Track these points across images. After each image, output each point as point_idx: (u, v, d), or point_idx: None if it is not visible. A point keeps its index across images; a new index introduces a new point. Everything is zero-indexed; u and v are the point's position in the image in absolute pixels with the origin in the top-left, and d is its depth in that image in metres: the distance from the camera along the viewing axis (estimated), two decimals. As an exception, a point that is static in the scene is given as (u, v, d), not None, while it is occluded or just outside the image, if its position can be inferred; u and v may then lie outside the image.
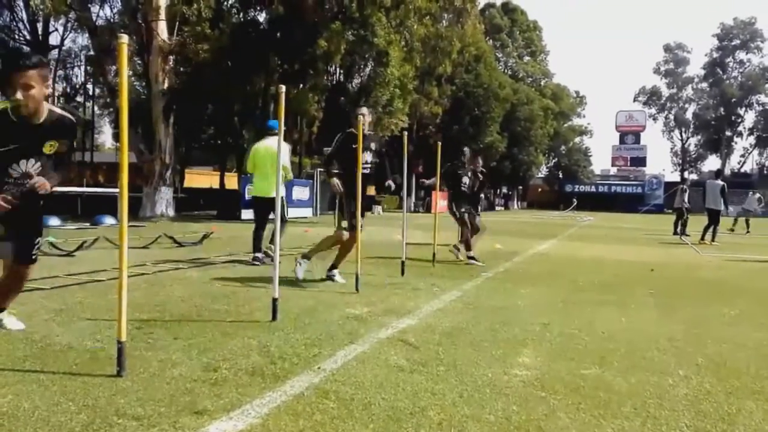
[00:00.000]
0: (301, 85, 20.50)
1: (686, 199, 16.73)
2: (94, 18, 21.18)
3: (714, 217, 13.83)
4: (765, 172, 67.12)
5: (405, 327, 4.03)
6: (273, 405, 2.49)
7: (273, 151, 6.63)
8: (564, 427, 2.38)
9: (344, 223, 5.77)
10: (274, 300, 4.11)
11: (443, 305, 4.90)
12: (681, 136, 73.04)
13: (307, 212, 20.90)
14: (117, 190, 2.87)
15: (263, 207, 7.47)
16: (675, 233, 16.48)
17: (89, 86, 30.83)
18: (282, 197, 5.34)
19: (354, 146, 5.44)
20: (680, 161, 72.64)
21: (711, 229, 13.80)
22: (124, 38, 2.80)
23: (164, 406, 2.43)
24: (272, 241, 4.88)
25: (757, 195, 20.72)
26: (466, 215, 8.46)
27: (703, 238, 13.76)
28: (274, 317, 4.07)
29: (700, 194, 15.52)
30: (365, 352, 3.37)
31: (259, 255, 7.38)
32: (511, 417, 2.46)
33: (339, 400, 2.58)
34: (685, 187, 17.39)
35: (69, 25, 27.17)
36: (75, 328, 3.67)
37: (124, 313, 2.81)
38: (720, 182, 14.05)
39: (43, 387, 2.61)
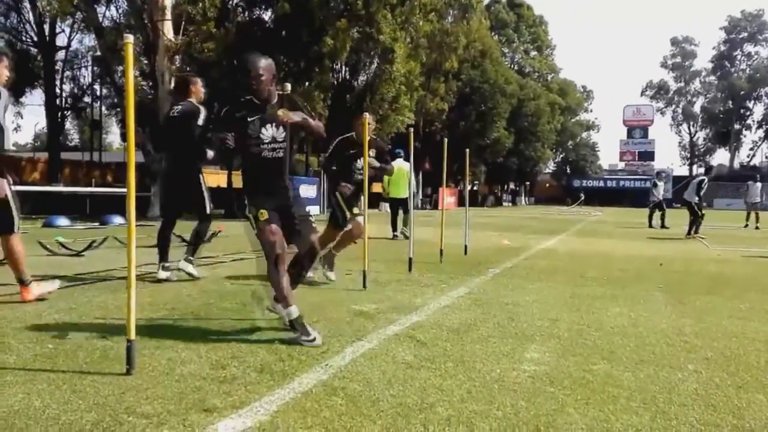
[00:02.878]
0: (307, 83, 20.51)
1: (659, 193, 17.93)
2: (100, 18, 21.29)
3: (690, 210, 14.03)
4: (775, 164, 66.65)
5: (413, 323, 4.03)
6: (281, 402, 2.50)
7: (403, 169, 10.91)
8: (573, 422, 2.38)
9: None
10: (282, 297, 4.11)
11: (451, 301, 4.90)
12: (689, 129, 72.70)
13: (314, 209, 20.96)
14: (125, 189, 2.88)
15: (397, 204, 12.04)
16: (650, 225, 17.74)
17: (96, 87, 31.00)
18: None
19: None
20: (689, 155, 72.26)
21: (690, 222, 13.99)
22: (130, 38, 2.81)
23: (173, 403, 2.44)
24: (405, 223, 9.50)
25: (758, 184, 19.95)
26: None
27: (689, 233, 13.84)
28: (282, 315, 4.07)
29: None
30: (373, 348, 3.37)
31: (397, 233, 11.51)
32: (519, 413, 2.46)
33: (347, 396, 2.59)
34: (656, 180, 18.46)
35: (75, 26, 27.32)
36: (84, 327, 3.69)
37: (133, 311, 2.83)
38: (701, 177, 14.40)
39: (54, 386, 2.63)
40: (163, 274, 5.61)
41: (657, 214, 17.82)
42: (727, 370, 3.13)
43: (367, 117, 5.33)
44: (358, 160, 5.44)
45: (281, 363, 3.03)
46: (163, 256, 5.75)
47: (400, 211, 12.04)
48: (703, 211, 14.04)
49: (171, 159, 5.91)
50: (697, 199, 13.96)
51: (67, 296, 4.72)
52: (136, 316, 2.92)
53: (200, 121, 5.60)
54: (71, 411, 2.35)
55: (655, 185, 18.21)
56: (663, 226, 17.15)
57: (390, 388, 2.71)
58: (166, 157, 6.02)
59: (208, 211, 5.86)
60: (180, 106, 5.74)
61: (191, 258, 5.83)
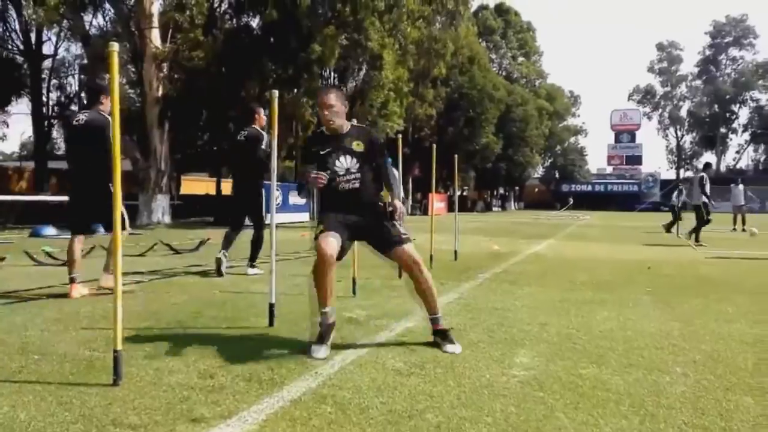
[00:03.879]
0: (296, 90, 20.49)
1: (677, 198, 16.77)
2: (87, 27, 21.19)
3: (697, 213, 12.96)
4: (760, 168, 67.37)
5: (402, 330, 4.03)
6: (270, 411, 2.48)
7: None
8: (562, 427, 2.38)
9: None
10: (271, 306, 4.10)
11: (440, 307, 4.88)
12: (676, 133, 73.34)
13: (304, 217, 20.91)
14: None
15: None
16: (668, 232, 16.29)
17: (83, 95, 30.80)
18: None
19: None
20: (676, 159, 72.86)
21: (697, 225, 12.93)
22: (115, 46, 2.80)
23: (161, 414, 2.42)
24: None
25: (740, 187, 19.40)
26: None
27: (697, 239, 12.76)
28: (270, 323, 4.06)
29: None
30: (362, 355, 3.36)
31: None
32: (509, 418, 2.45)
33: (336, 404, 2.58)
34: (682, 187, 17.32)
35: (62, 34, 27.19)
36: (71, 338, 3.66)
37: (120, 321, 2.80)
38: (700, 174, 13.26)
39: (39, 397, 2.60)
40: (225, 266, 6.71)
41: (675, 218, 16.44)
42: (715, 372, 3.14)
43: (333, 93, 3.78)
44: (339, 159, 3.73)
45: (270, 371, 3.02)
46: (226, 247, 6.81)
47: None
48: (710, 216, 12.83)
49: (238, 176, 7.22)
50: (705, 199, 12.74)
51: (53, 306, 4.68)
52: (124, 326, 2.90)
53: (264, 145, 6.67)
54: (57, 423, 2.32)
55: (681, 192, 16.93)
56: (668, 230, 16.28)
57: (379, 395, 2.70)
58: (234, 174, 7.27)
59: (265, 221, 6.97)
60: (246, 131, 6.86)
61: (254, 263, 6.98)
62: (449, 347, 3.53)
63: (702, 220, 12.84)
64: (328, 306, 3.53)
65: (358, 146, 3.75)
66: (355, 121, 4.02)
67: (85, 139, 5.19)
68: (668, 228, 16.53)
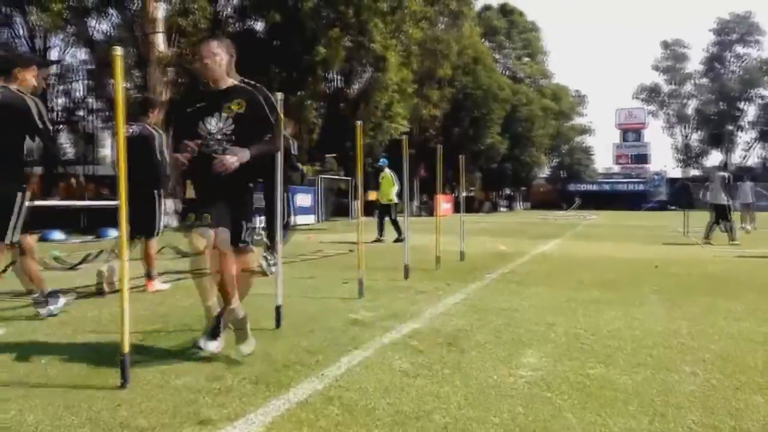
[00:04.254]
0: (300, 93, 20.52)
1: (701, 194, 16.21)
2: (92, 32, 21.29)
3: (721, 213, 12.59)
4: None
5: (409, 331, 4.01)
6: (277, 413, 2.48)
7: (389, 177, 13.00)
8: (570, 427, 2.36)
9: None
10: (278, 307, 4.10)
11: (447, 308, 4.89)
12: (682, 131, 72.90)
13: (310, 219, 20.93)
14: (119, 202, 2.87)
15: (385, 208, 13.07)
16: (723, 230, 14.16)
17: (90, 100, 30.96)
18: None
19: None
20: (682, 157, 72.46)
21: (718, 226, 12.56)
22: (118, 51, 2.81)
23: (168, 417, 2.42)
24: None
25: (748, 184, 19.38)
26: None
27: (707, 237, 12.50)
28: (277, 324, 4.07)
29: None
30: (369, 357, 3.36)
31: (383, 238, 12.53)
32: (516, 418, 2.44)
33: (343, 406, 2.57)
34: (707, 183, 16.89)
35: (68, 40, 27.31)
36: (79, 341, 3.67)
37: (127, 325, 2.81)
38: (722, 173, 12.98)
39: (47, 401, 2.60)
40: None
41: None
42: (724, 371, 3.12)
43: (215, 41, 3.39)
44: (210, 120, 3.27)
45: (276, 373, 3.02)
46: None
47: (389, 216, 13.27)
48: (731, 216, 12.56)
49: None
50: (729, 200, 12.57)
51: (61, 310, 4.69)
52: (131, 329, 2.90)
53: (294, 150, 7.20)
54: (64, 426, 2.33)
55: (707, 187, 16.75)
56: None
57: (386, 396, 2.70)
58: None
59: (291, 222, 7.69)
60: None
61: (270, 258, 7.23)
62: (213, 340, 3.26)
63: (727, 220, 12.57)
64: (209, 300, 3.44)
65: (238, 106, 3.25)
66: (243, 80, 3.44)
67: (133, 151, 5.33)
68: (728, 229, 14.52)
